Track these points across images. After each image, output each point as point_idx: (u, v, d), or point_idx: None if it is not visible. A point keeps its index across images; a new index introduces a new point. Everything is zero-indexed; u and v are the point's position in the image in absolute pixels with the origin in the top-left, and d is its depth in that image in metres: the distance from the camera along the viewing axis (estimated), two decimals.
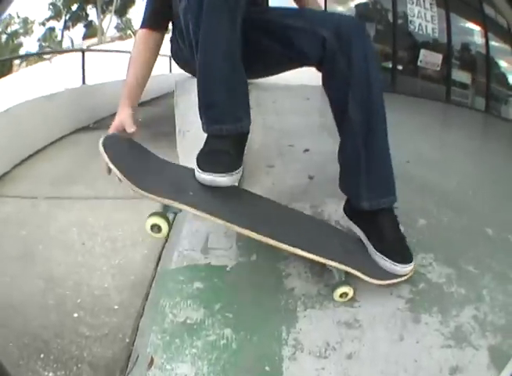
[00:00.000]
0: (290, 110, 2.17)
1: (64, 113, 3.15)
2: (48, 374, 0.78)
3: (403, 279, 0.78)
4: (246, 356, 0.69)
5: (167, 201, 0.74)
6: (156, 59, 1.00)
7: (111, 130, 0.87)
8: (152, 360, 0.68)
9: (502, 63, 4.85)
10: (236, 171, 0.78)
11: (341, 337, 0.70)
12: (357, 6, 5.50)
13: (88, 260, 1.05)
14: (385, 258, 0.78)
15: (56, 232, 1.26)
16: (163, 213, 0.76)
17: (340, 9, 5.51)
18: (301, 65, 0.96)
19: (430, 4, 5.07)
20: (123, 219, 1.23)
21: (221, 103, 0.80)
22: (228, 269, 0.84)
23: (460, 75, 5.18)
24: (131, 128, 0.86)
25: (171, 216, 0.77)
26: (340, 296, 0.76)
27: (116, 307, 0.85)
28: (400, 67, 5.16)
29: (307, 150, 1.57)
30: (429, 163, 1.62)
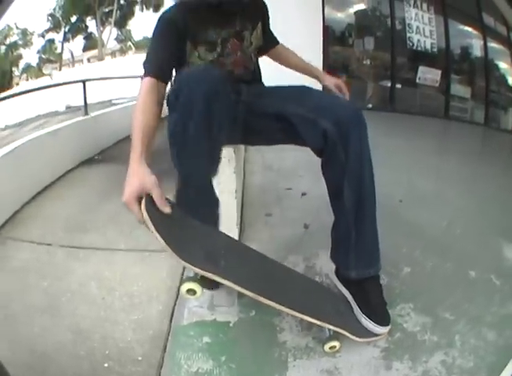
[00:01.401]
0: None
1: (69, 148, 3.46)
2: None
3: (381, 337, 1.02)
4: None
5: (202, 272, 0.87)
6: (162, 109, 1.02)
7: (130, 195, 0.83)
8: None
9: (502, 65, 5.04)
10: None
11: None
12: (356, 14, 5.77)
13: (110, 315, 1.30)
14: (368, 320, 1.01)
15: (76, 285, 1.53)
16: (195, 278, 0.92)
17: (339, 15, 5.81)
18: None
19: (429, 18, 5.28)
20: (137, 274, 1.49)
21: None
22: (231, 324, 1.09)
23: (459, 89, 5.46)
24: (164, 207, 0.84)
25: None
26: (330, 348, 1.00)
27: (140, 358, 1.09)
28: (399, 86, 5.48)
29: (304, 194, 1.82)
30: (422, 201, 1.85)
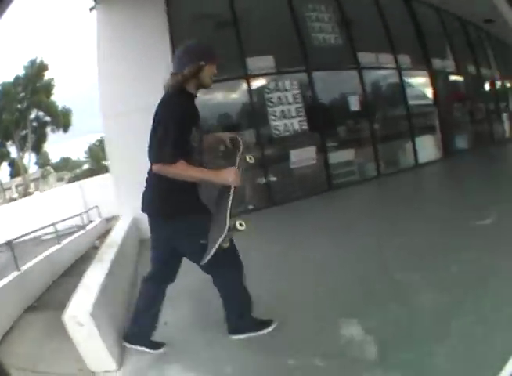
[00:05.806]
0: None
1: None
2: None
3: None
4: None
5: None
6: None
7: (232, 176, 1.98)
8: None
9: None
10: None
11: None
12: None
13: None
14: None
15: None
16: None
17: None
18: None
19: (294, 95, 6.01)
20: None
21: None
22: None
23: (341, 154, 6.29)
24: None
25: None
26: (240, 225, 1.85)
27: None
28: (274, 179, 5.90)
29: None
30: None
